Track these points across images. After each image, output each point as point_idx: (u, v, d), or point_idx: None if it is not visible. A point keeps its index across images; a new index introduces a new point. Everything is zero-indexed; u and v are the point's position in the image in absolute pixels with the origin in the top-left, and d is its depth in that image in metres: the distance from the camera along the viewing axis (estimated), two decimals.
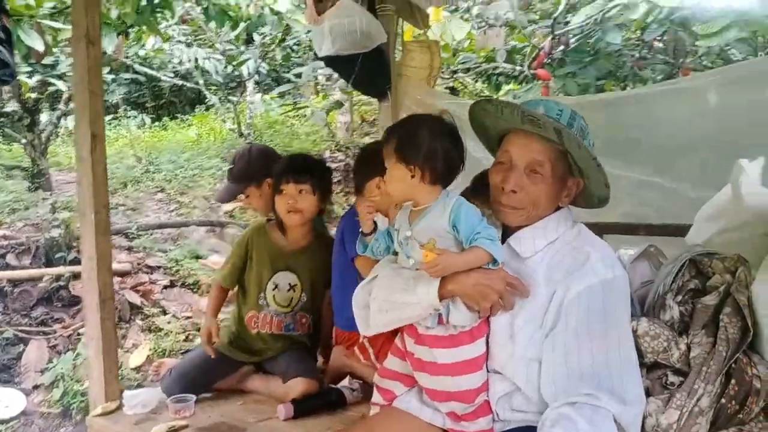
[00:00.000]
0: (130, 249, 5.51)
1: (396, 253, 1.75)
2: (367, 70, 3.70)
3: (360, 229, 1.79)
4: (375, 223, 1.75)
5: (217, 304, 2.65)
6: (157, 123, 11.06)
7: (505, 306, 1.56)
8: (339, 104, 8.28)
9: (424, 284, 1.56)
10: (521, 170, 1.61)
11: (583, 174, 1.65)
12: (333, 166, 9.45)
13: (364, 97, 11.25)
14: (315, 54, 4.06)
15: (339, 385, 2.45)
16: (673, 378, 1.46)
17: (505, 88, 8.58)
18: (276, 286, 2.60)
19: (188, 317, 4.79)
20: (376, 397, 1.88)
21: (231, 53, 8.65)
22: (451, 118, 1.64)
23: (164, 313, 4.74)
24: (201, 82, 9.30)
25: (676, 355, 1.46)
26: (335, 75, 9.10)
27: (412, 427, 1.73)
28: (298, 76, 8.63)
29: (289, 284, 2.61)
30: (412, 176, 1.59)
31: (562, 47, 6.49)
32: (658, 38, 6.41)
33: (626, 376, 1.44)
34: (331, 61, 3.74)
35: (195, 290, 5.18)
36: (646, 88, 5.18)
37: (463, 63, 7.83)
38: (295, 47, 9.58)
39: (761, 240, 1.99)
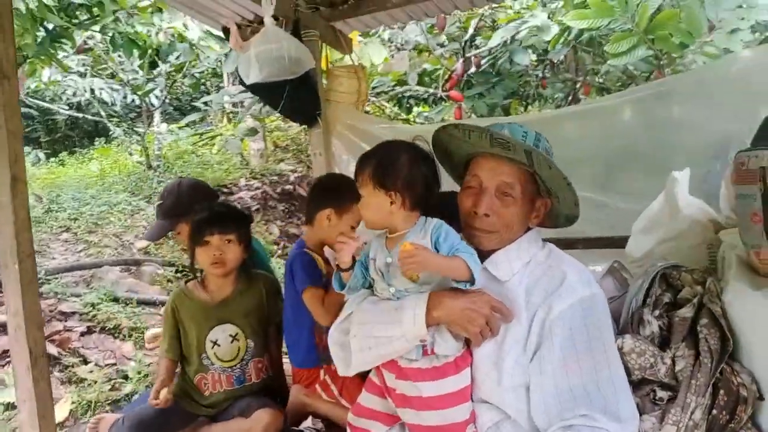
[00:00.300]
0: (39, 295, 5.07)
1: (370, 286, 1.68)
2: (296, 97, 3.63)
3: (336, 264, 1.71)
4: (353, 257, 1.67)
5: (168, 375, 2.47)
6: (53, 159, 10.41)
7: (492, 331, 1.53)
8: (254, 131, 8.11)
9: (410, 313, 1.51)
10: (492, 193, 1.61)
11: (551, 194, 1.66)
12: (249, 194, 9.29)
13: (276, 124, 11.16)
14: (237, 80, 3.95)
15: (302, 426, 2.33)
16: (661, 393, 1.48)
17: (416, 110, 8.74)
18: (215, 343, 2.47)
19: (111, 364, 4.46)
20: None
21: (136, 83, 8.28)
22: (426, 143, 1.62)
23: (85, 362, 4.39)
24: (103, 114, 8.84)
25: (662, 370, 1.48)
26: (246, 101, 8.95)
27: None
28: (207, 104, 8.40)
29: (230, 336, 2.48)
30: (392, 203, 1.56)
31: (473, 69, 6.68)
32: (561, 60, 6.75)
33: (618, 394, 1.44)
34: (257, 89, 3.64)
35: (116, 335, 4.84)
36: (556, 111, 5.42)
37: (375, 87, 7.89)
38: (203, 74, 9.33)
39: (699, 249, 2.09)
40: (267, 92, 3.72)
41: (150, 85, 8.32)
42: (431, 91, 7.27)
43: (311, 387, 2.45)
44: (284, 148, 10.99)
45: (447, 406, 1.55)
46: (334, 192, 2.46)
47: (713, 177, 2.56)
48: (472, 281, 1.50)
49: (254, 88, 3.59)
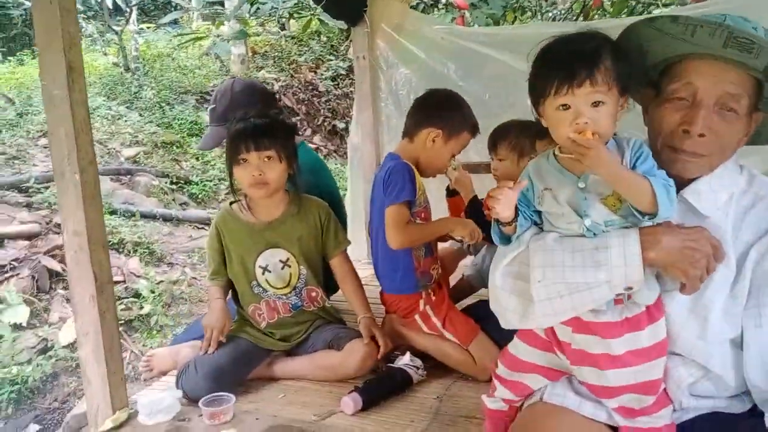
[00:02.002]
0: (29, 206, 4.63)
1: (538, 224, 1.38)
2: None
3: (494, 219, 1.37)
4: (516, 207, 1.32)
5: (220, 297, 2.23)
6: (11, 58, 9.49)
7: (709, 273, 1.26)
8: (243, 33, 7.44)
9: (618, 252, 1.21)
10: (710, 107, 1.29)
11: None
12: None
13: (254, 29, 10.38)
14: None
15: (401, 364, 2.09)
16: None
17: None
18: (264, 269, 2.21)
19: (120, 281, 4.11)
20: (502, 391, 1.52)
21: None
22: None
23: None
24: None
25: None
26: (228, 2, 8.23)
27: (572, 425, 1.39)
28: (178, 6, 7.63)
29: (280, 261, 2.22)
30: (621, 106, 1.25)
31: None
32: None
33: None
34: None
35: (120, 250, 4.47)
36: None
37: None
38: None
39: None
40: None
41: None
42: None
43: (409, 317, 2.20)
44: (263, 54, 10.30)
45: (641, 362, 1.28)
46: (452, 113, 2.23)
47: None
48: (653, 214, 1.21)
49: None
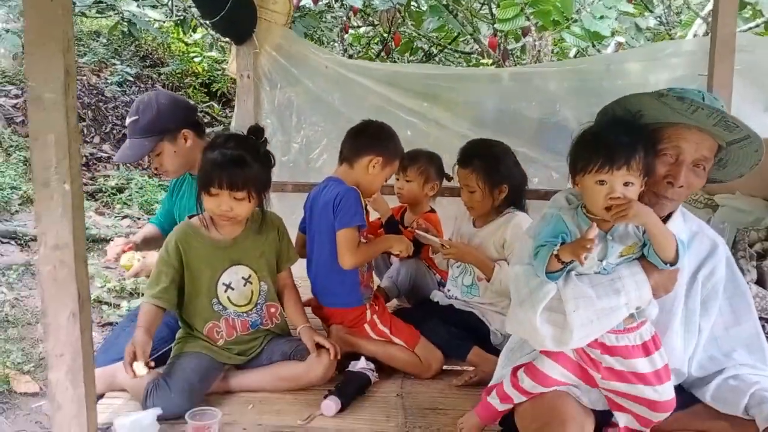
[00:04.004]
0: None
1: None
2: (238, 8, 3.28)
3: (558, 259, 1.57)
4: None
5: (150, 320, 2.08)
6: None
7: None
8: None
9: (630, 281, 1.55)
10: (689, 166, 1.62)
11: (723, 161, 1.72)
12: (10, 102, 7.76)
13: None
14: None
15: (358, 368, 2.27)
16: None
17: None
18: (228, 286, 2.22)
19: None
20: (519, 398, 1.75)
21: None
22: None
23: None
24: None
25: None
26: None
27: (575, 406, 1.67)
28: None
29: (243, 278, 2.24)
30: (641, 186, 1.56)
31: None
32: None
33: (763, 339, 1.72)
34: None
35: None
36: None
37: None
38: None
39: None
40: (206, 1, 3.29)
41: None
42: None
43: (357, 327, 2.39)
44: None
45: (660, 382, 1.60)
46: (388, 142, 2.43)
47: None
48: (673, 263, 1.54)
49: None
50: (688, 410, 1.69)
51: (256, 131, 2.20)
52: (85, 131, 8.22)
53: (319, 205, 2.39)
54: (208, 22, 3.38)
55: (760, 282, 1.97)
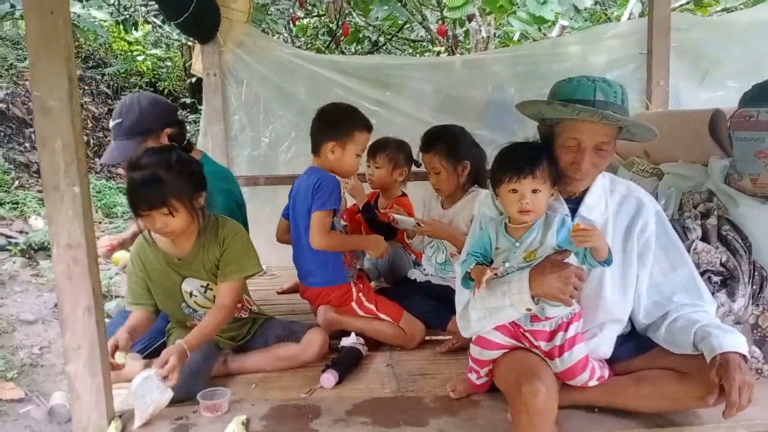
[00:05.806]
0: None
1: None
2: (202, 8, 3.37)
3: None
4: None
5: (132, 322, 2.21)
6: None
7: (578, 290, 1.82)
8: None
9: (516, 286, 1.79)
10: (591, 151, 1.85)
11: (629, 131, 2.04)
12: None
13: None
14: None
15: (350, 343, 2.44)
16: (715, 278, 2.14)
17: None
18: (191, 293, 2.31)
19: None
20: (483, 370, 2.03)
21: None
22: None
23: None
24: None
25: (717, 263, 2.13)
26: None
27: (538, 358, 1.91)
28: None
29: (202, 286, 2.30)
30: (551, 194, 1.86)
31: None
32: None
33: (701, 283, 1.96)
34: None
35: None
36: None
37: None
38: None
39: None
40: (169, 2, 3.35)
41: None
42: None
43: (345, 306, 2.55)
44: None
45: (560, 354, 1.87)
46: (335, 124, 2.54)
47: None
48: (607, 262, 1.77)
49: None
50: (648, 353, 1.94)
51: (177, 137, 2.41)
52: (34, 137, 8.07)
53: (302, 191, 2.53)
54: (173, 23, 3.41)
55: (704, 239, 2.22)
